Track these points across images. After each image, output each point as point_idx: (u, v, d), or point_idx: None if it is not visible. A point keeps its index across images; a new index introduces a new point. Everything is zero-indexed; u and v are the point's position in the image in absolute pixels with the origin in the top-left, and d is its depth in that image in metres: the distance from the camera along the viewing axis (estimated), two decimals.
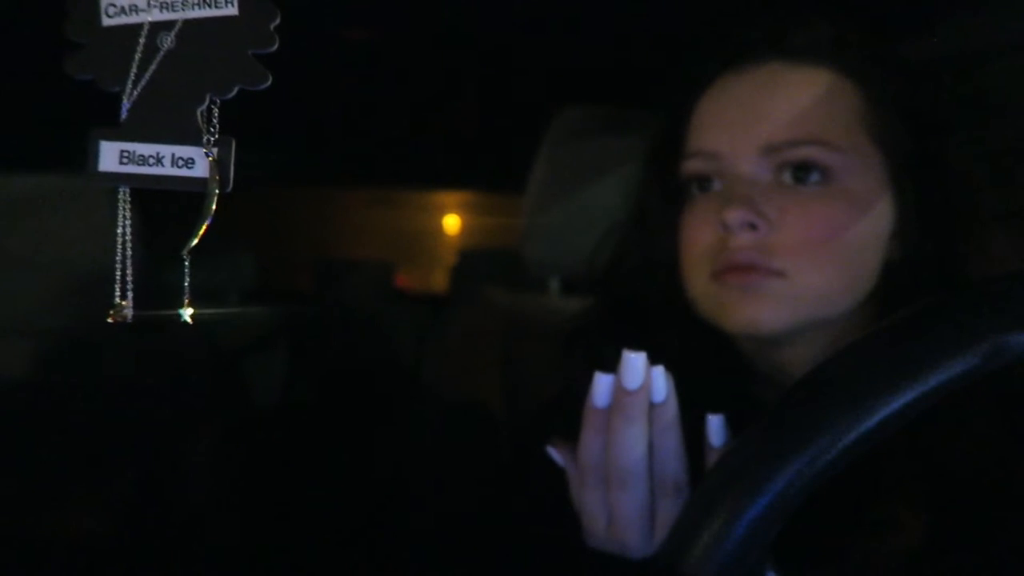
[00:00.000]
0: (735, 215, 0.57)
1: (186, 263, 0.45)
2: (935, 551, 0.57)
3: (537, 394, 0.73)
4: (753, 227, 0.58)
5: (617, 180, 0.94)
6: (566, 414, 0.68)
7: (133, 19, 0.45)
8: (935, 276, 0.60)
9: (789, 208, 0.58)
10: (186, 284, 0.45)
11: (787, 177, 0.59)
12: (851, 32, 0.63)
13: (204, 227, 0.44)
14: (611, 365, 0.54)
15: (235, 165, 0.45)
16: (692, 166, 0.62)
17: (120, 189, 0.46)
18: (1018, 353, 0.34)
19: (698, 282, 0.61)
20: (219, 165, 0.44)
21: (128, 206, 0.46)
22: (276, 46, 0.44)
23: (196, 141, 0.44)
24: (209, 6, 0.44)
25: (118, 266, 0.45)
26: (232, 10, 0.44)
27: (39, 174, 0.99)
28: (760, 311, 0.58)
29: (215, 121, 0.45)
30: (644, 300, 0.67)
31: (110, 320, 0.45)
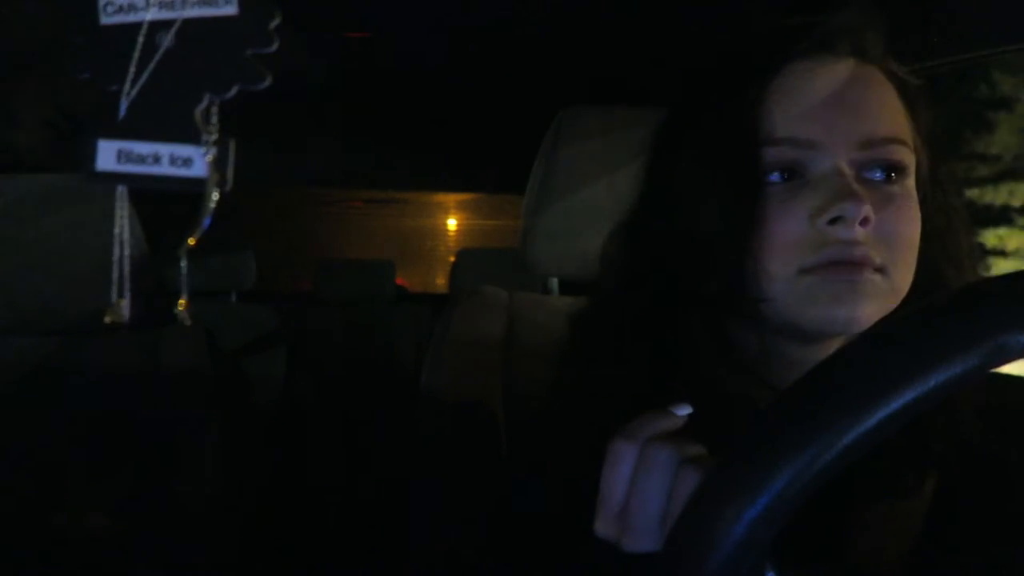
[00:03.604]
0: (858, 208, 0.56)
1: (184, 263, 0.45)
2: (932, 545, 0.57)
3: (537, 394, 0.72)
4: (867, 223, 0.57)
5: (617, 180, 0.94)
6: (567, 411, 0.68)
7: (132, 18, 0.45)
8: (940, 283, 0.62)
9: (883, 204, 0.58)
10: (185, 284, 0.45)
11: (875, 174, 0.59)
12: (900, 41, 0.64)
13: (203, 227, 0.44)
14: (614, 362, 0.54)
15: (234, 164, 0.44)
16: (781, 154, 0.60)
17: (117, 188, 0.46)
18: (1018, 353, 0.34)
19: (783, 276, 0.59)
20: (218, 165, 0.44)
21: (125, 206, 0.46)
22: (276, 46, 0.44)
23: (195, 140, 0.44)
24: (208, 5, 0.44)
25: (116, 265, 0.45)
26: (231, 9, 0.44)
27: (39, 174, 0.99)
28: (863, 307, 0.57)
29: (214, 121, 0.44)
30: (659, 298, 0.65)
31: (107, 320, 0.45)
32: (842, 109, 0.59)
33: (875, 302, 0.58)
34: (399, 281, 2.92)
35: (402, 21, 1.09)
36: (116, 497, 0.97)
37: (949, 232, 0.63)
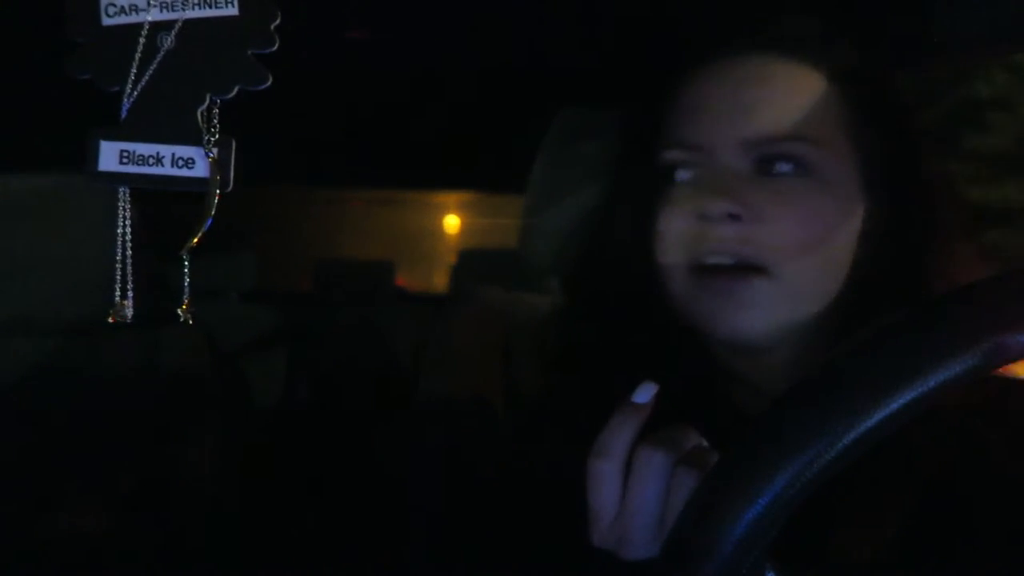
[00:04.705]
0: (717, 205, 0.57)
1: (186, 263, 0.45)
2: (924, 545, 0.57)
3: (537, 395, 0.72)
4: (734, 217, 0.57)
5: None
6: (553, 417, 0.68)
7: (133, 19, 0.45)
8: (897, 284, 0.60)
9: (769, 199, 0.57)
10: (186, 284, 0.45)
11: (767, 170, 0.59)
12: (835, 29, 0.63)
13: (204, 227, 0.44)
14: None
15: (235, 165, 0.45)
16: (671, 156, 0.61)
17: (120, 189, 0.46)
18: (1018, 353, 0.34)
19: (676, 278, 0.60)
20: (219, 165, 0.44)
21: (128, 206, 0.46)
22: (276, 46, 0.44)
23: (196, 141, 0.44)
24: (209, 6, 0.44)
25: (118, 266, 0.45)
26: (232, 10, 0.44)
27: (39, 174, 0.99)
28: (744, 318, 0.58)
29: (215, 121, 0.44)
30: (618, 298, 0.65)
31: (110, 320, 0.45)
32: (727, 109, 0.59)
33: (758, 311, 0.57)
34: (399, 281, 2.91)
35: (402, 21, 1.09)
36: (116, 497, 0.97)
37: (926, 228, 0.61)
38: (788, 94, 0.60)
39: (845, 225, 0.59)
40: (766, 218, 0.57)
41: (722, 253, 0.58)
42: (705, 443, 0.49)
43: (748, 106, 0.59)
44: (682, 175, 0.61)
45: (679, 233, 0.60)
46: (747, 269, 0.57)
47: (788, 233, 0.57)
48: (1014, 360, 0.34)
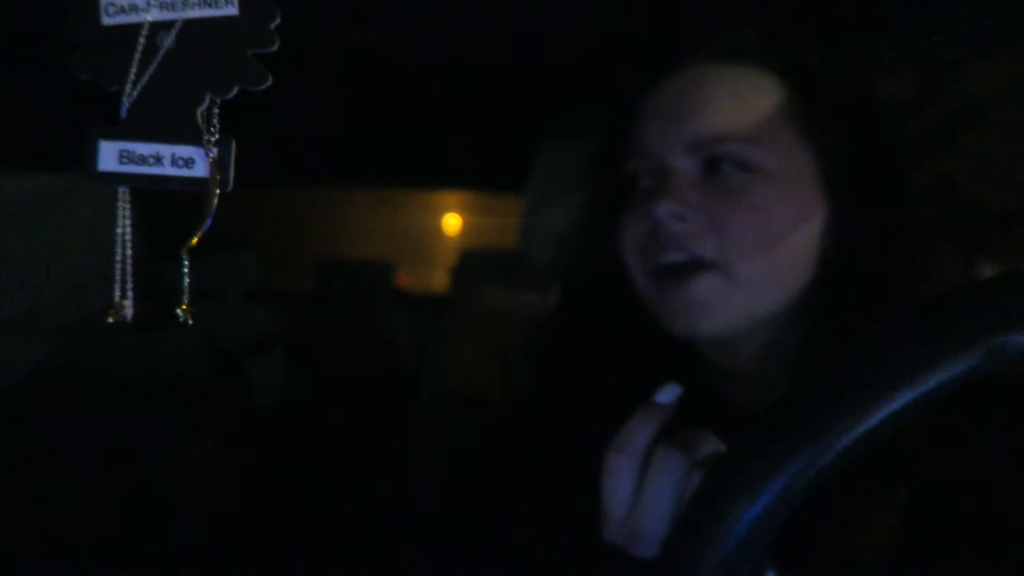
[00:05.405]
0: (662, 206, 0.59)
1: (185, 263, 0.45)
2: (913, 544, 0.57)
3: (537, 395, 0.73)
4: (682, 218, 0.59)
5: None
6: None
7: (133, 18, 0.45)
8: (871, 278, 0.61)
9: (716, 198, 0.60)
10: (186, 284, 0.45)
11: (714, 170, 0.61)
12: (780, 33, 0.64)
13: (204, 227, 0.44)
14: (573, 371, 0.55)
15: (235, 164, 0.44)
16: (631, 164, 0.64)
17: (119, 189, 0.46)
18: (1018, 353, 0.34)
19: (639, 279, 0.63)
20: (219, 165, 0.44)
21: (127, 206, 0.46)
22: (276, 46, 0.44)
23: (196, 141, 0.44)
24: (209, 6, 0.44)
25: (118, 266, 0.45)
26: (232, 10, 0.44)
27: (39, 174, 0.99)
28: (699, 315, 0.60)
29: (215, 121, 0.44)
30: (600, 301, 0.68)
31: (110, 320, 0.45)
32: (673, 114, 0.62)
33: (712, 307, 0.60)
34: (399, 281, 2.91)
35: (402, 21, 1.09)
36: (116, 497, 0.97)
37: (897, 222, 0.63)
38: (729, 97, 0.62)
39: (800, 220, 0.61)
40: (714, 216, 0.59)
41: (674, 251, 0.60)
42: (724, 448, 0.50)
43: (690, 110, 0.62)
44: (641, 181, 0.64)
45: (636, 237, 0.62)
46: (698, 266, 0.59)
47: (736, 229, 0.59)
48: (1014, 360, 0.34)
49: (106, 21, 0.45)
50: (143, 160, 0.45)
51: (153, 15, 0.44)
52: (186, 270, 0.45)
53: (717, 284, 0.59)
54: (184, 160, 0.44)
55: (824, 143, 0.62)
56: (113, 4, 0.45)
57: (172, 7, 0.44)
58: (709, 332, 0.61)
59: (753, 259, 0.60)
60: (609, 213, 0.66)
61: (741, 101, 0.62)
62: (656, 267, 0.61)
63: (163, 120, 0.45)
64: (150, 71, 0.44)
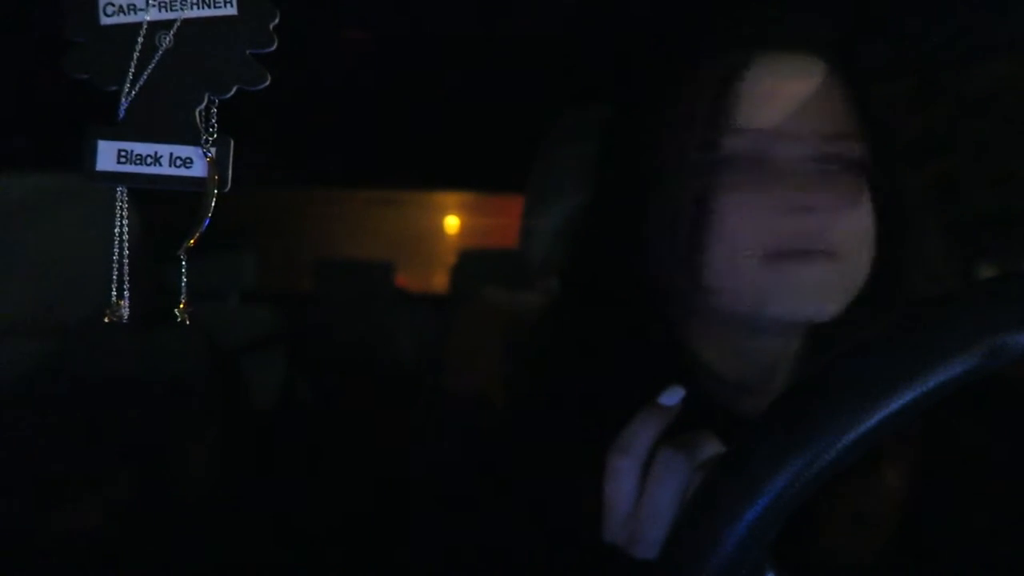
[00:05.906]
0: (809, 198, 0.58)
1: (183, 262, 0.45)
2: (912, 540, 0.57)
3: (538, 395, 0.73)
4: (812, 210, 0.58)
5: None
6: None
7: (131, 18, 0.45)
8: (871, 278, 0.62)
9: (836, 194, 0.59)
10: (183, 284, 0.45)
11: (828, 165, 0.60)
12: (852, 37, 0.65)
13: (202, 227, 0.44)
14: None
15: (233, 164, 0.44)
16: (739, 144, 0.60)
17: (117, 188, 0.46)
18: (1018, 353, 0.34)
19: (743, 267, 0.59)
20: (217, 165, 0.44)
21: (125, 205, 0.46)
22: (275, 46, 0.44)
23: (194, 141, 0.44)
24: (208, 6, 0.44)
25: (115, 265, 0.45)
26: (231, 10, 0.44)
27: (38, 174, 0.99)
28: (817, 296, 0.59)
29: (214, 121, 0.44)
30: (601, 301, 0.67)
31: (106, 320, 0.45)
32: (799, 103, 0.60)
33: (828, 291, 0.59)
34: (399, 281, 2.92)
35: (402, 20, 1.09)
36: (115, 497, 0.97)
37: (910, 232, 0.65)
38: (840, 95, 0.62)
39: (871, 220, 0.62)
40: (832, 210, 0.59)
41: (800, 239, 0.58)
42: (720, 446, 0.50)
43: (815, 102, 0.61)
44: (747, 163, 0.60)
45: (750, 225, 0.59)
46: (819, 253, 0.59)
47: (848, 224, 0.60)
48: (1014, 360, 0.34)
49: (104, 21, 0.45)
50: (141, 160, 0.45)
51: (152, 15, 0.44)
52: (184, 270, 0.45)
53: (834, 270, 0.59)
54: (183, 160, 0.44)
55: (874, 144, 0.63)
56: (112, 4, 0.45)
57: (171, 7, 0.44)
58: (822, 313, 0.60)
59: (860, 258, 0.61)
60: (626, 207, 0.64)
61: (846, 101, 0.62)
62: (770, 252, 0.59)
63: (162, 120, 0.45)
64: (148, 71, 0.44)
